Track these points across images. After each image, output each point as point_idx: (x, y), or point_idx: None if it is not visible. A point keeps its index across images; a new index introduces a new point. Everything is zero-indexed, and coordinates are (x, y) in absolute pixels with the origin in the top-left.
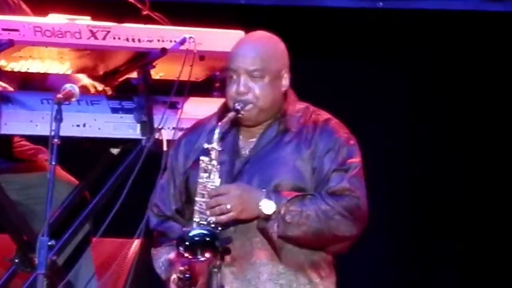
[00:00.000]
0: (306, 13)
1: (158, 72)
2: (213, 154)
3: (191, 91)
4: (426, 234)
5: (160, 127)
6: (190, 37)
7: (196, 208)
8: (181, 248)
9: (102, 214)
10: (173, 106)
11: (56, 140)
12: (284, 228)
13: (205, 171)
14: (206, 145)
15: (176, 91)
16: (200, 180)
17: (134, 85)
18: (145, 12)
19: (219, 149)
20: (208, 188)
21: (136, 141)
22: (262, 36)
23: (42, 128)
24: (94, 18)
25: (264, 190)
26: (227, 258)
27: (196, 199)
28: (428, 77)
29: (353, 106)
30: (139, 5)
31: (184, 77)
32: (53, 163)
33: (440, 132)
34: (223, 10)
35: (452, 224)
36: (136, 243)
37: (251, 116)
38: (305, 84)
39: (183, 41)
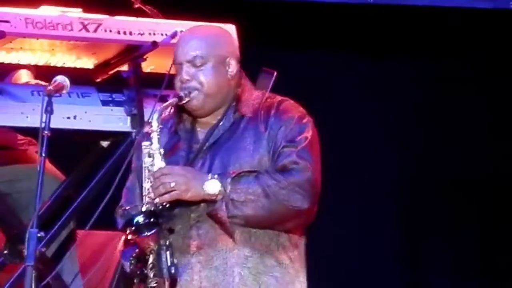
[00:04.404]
0: (297, 7)
1: (149, 65)
2: (154, 138)
3: None
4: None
5: (150, 120)
6: (181, 31)
7: (144, 193)
8: (128, 232)
9: (92, 206)
10: (164, 100)
11: (46, 132)
12: (232, 207)
13: (149, 155)
14: (145, 129)
15: (167, 85)
16: (144, 165)
17: (125, 78)
18: (136, 5)
19: (158, 131)
20: (153, 171)
21: (126, 134)
22: (201, 26)
23: (33, 120)
24: (86, 10)
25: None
26: (193, 247)
27: (143, 185)
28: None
29: (340, 102)
30: None
31: (174, 70)
32: (43, 154)
33: (436, 131)
34: (214, 4)
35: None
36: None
37: (198, 103)
38: (292, 79)
39: (174, 35)
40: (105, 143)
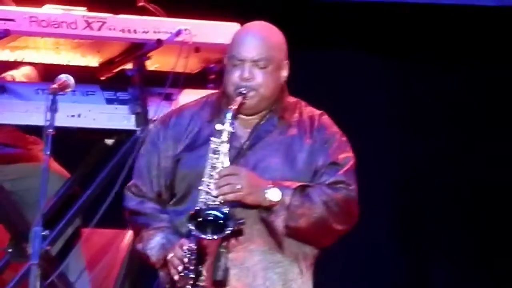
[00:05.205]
0: (303, 5)
1: (154, 63)
2: (224, 136)
3: (186, 83)
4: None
5: (154, 118)
6: (186, 29)
7: (203, 188)
8: (192, 225)
9: (96, 204)
10: (168, 98)
11: (50, 130)
12: (289, 218)
13: (215, 152)
14: (219, 126)
15: (171, 83)
16: (209, 161)
17: (129, 76)
18: (140, 4)
19: (232, 131)
20: (218, 168)
21: (130, 132)
22: (265, 25)
23: (37, 118)
24: (90, 9)
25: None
26: (228, 245)
27: (204, 179)
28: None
29: (344, 102)
30: None
31: (179, 68)
32: (48, 153)
33: (435, 127)
34: (219, 2)
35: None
36: (129, 234)
37: (252, 104)
38: (296, 77)
39: (178, 33)
40: (109, 141)
